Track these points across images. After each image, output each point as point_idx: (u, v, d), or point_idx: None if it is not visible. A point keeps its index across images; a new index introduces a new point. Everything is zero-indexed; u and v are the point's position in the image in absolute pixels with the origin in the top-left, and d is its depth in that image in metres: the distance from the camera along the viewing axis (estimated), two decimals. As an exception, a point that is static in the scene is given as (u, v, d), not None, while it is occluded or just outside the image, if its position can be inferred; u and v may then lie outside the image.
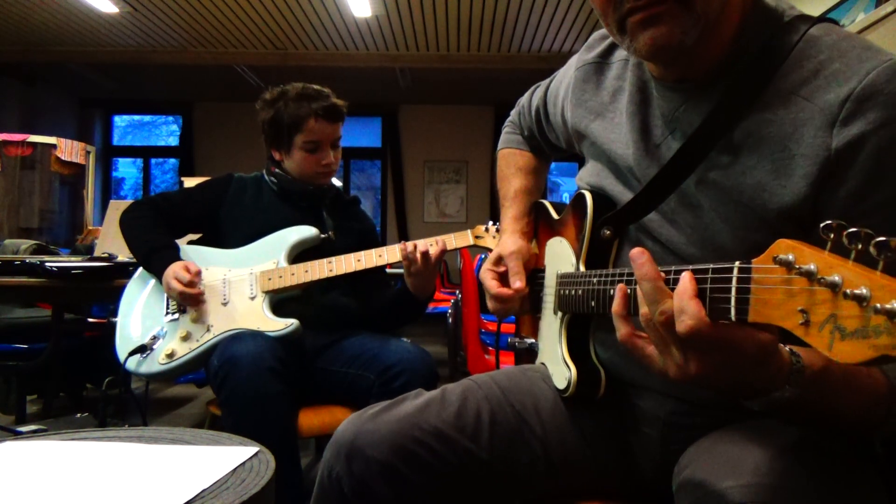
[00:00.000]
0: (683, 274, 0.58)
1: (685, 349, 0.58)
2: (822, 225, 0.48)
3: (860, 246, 0.45)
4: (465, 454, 0.89)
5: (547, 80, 1.16)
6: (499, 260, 1.10)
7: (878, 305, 0.41)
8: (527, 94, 1.23)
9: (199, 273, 1.68)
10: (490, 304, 1.10)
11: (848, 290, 0.43)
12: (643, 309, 0.61)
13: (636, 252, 0.62)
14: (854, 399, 0.64)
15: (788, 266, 0.48)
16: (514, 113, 1.28)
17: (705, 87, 0.79)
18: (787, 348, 0.60)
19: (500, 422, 0.93)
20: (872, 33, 2.91)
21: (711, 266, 0.57)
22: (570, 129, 1.02)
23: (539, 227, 1.16)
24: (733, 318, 0.54)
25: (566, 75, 1.06)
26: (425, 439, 0.88)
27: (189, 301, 1.65)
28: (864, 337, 0.42)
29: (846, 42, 0.73)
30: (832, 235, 0.47)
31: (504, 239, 1.14)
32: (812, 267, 0.46)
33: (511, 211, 1.19)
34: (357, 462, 0.87)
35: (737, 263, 0.54)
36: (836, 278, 0.44)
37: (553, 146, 1.19)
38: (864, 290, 0.42)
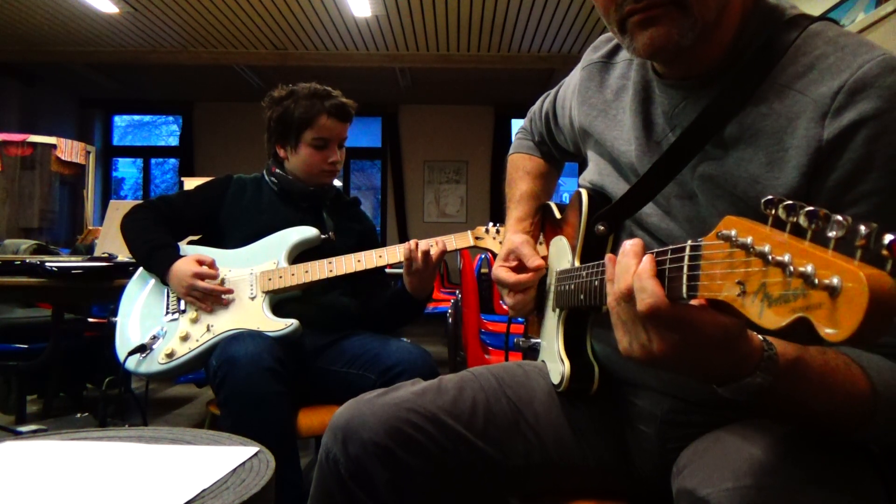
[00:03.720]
0: (645, 256, 0.60)
1: (647, 328, 0.59)
2: (763, 200, 0.49)
3: (795, 219, 0.46)
4: (460, 440, 0.91)
5: (556, 87, 1.17)
6: (508, 255, 1.10)
7: (793, 268, 0.43)
8: (538, 102, 1.25)
9: (213, 263, 1.68)
10: (508, 299, 1.09)
11: (771, 257, 0.45)
12: (609, 287, 0.63)
13: (631, 240, 0.63)
14: (831, 396, 0.64)
15: (730, 241, 0.49)
16: (525, 120, 1.29)
17: (706, 84, 0.81)
18: (759, 336, 0.60)
19: (496, 412, 0.94)
20: (872, 33, 2.91)
21: (670, 247, 0.58)
22: (577, 128, 1.03)
23: (545, 228, 1.17)
24: (685, 296, 0.55)
25: (573, 77, 1.08)
26: (420, 423, 0.90)
27: (216, 300, 1.65)
28: (785, 302, 0.44)
29: (843, 38, 0.74)
30: (773, 211, 0.48)
31: (508, 236, 1.14)
32: (749, 240, 0.47)
33: (515, 213, 1.20)
34: (353, 444, 0.89)
35: (689, 242, 0.56)
36: (766, 248, 0.45)
37: (562, 150, 1.20)
38: (787, 257, 0.44)
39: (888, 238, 0.41)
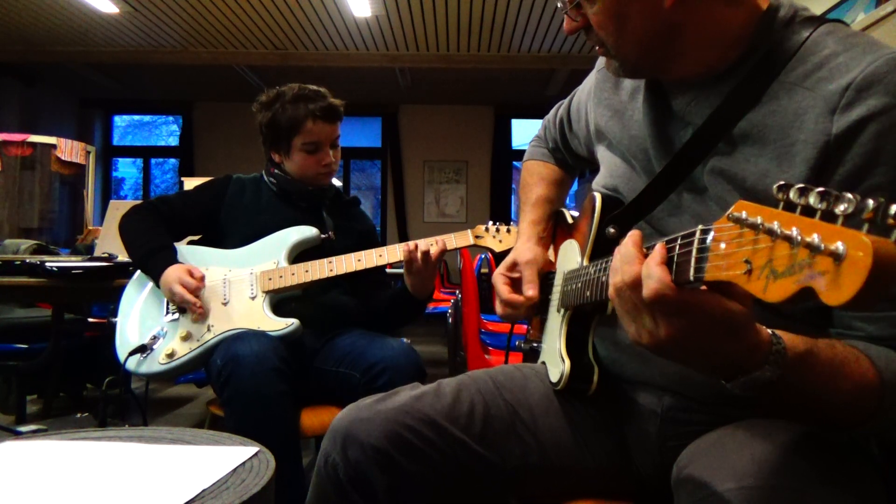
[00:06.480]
0: (657, 244, 0.60)
1: (654, 314, 0.59)
2: (776, 185, 0.49)
3: (805, 200, 0.47)
4: (458, 444, 0.91)
5: (570, 95, 1.20)
6: (513, 266, 1.12)
7: (800, 238, 0.44)
8: (552, 110, 1.27)
9: (203, 278, 1.67)
10: (499, 308, 1.11)
11: (779, 231, 0.45)
12: (616, 276, 0.63)
13: (633, 231, 0.64)
14: (840, 388, 0.64)
15: (741, 222, 0.50)
16: (540, 129, 1.31)
17: (716, 83, 0.81)
18: (767, 330, 0.60)
19: (494, 415, 0.95)
20: (872, 33, 2.91)
21: (681, 233, 0.59)
22: (592, 130, 1.04)
23: (556, 233, 1.18)
24: (692, 278, 0.55)
25: (588, 81, 1.09)
26: (418, 427, 0.90)
27: (191, 309, 1.65)
28: (790, 274, 0.45)
29: (853, 38, 0.75)
30: (785, 195, 0.49)
31: (520, 245, 1.15)
32: (758, 219, 0.48)
33: (529, 216, 1.21)
34: (352, 449, 0.89)
35: (700, 227, 0.56)
36: (775, 224, 0.46)
37: (576, 156, 1.21)
38: (794, 230, 0.44)
39: (894, 208, 0.42)
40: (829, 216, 0.44)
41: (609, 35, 0.81)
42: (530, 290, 1.06)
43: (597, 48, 0.87)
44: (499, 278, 1.11)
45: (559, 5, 0.86)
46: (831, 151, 0.71)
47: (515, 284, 1.10)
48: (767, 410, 0.75)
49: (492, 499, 0.97)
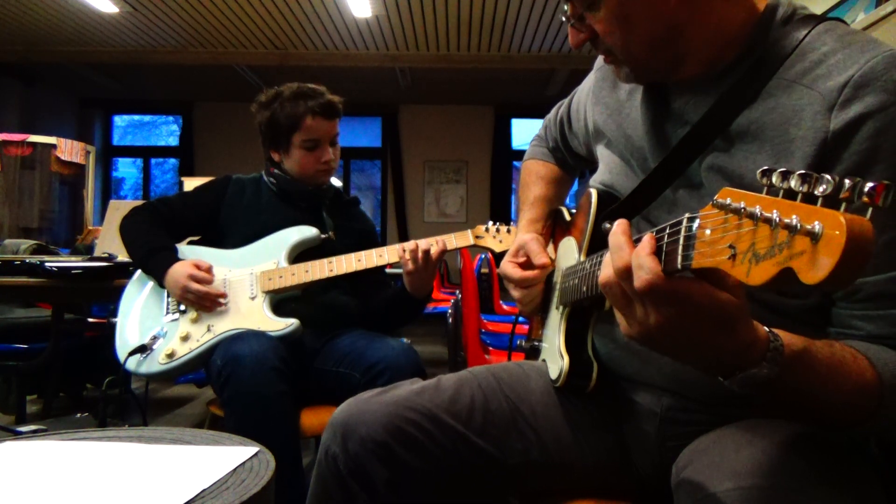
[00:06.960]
0: (645, 235, 0.60)
1: (644, 304, 0.59)
2: (758, 171, 0.50)
3: (787, 184, 0.47)
4: (459, 438, 0.91)
5: (570, 95, 1.20)
6: (517, 251, 1.12)
7: (779, 219, 0.44)
8: (552, 110, 1.27)
9: (210, 269, 1.67)
10: (515, 292, 1.11)
11: (760, 214, 0.46)
12: (607, 268, 0.63)
13: (620, 220, 0.64)
14: (839, 388, 0.64)
15: (724, 208, 0.50)
16: (540, 128, 1.32)
17: (715, 82, 0.82)
18: (764, 328, 0.60)
19: (494, 410, 0.95)
20: (872, 33, 2.90)
21: (669, 223, 0.59)
22: (591, 129, 1.04)
23: (555, 232, 1.18)
24: (679, 266, 0.55)
25: (587, 81, 1.10)
26: (418, 420, 0.90)
27: (209, 307, 1.65)
28: (771, 256, 0.45)
29: (851, 36, 0.75)
30: (768, 180, 0.49)
31: (519, 235, 1.16)
32: (741, 204, 0.48)
33: (528, 215, 1.22)
34: (352, 441, 0.90)
35: (686, 215, 0.56)
36: (757, 209, 0.46)
37: (576, 155, 1.21)
38: (774, 213, 0.45)
39: (868, 185, 0.42)
40: (809, 198, 0.45)
41: (616, 41, 0.81)
42: (541, 258, 1.06)
43: (604, 57, 0.87)
44: (506, 265, 1.11)
45: (563, 19, 0.86)
46: (829, 149, 0.71)
47: (525, 267, 1.10)
48: (766, 410, 0.75)
49: (492, 494, 0.97)
